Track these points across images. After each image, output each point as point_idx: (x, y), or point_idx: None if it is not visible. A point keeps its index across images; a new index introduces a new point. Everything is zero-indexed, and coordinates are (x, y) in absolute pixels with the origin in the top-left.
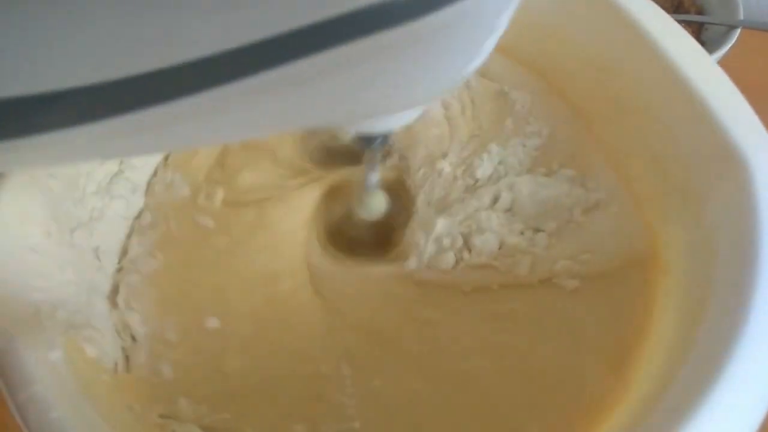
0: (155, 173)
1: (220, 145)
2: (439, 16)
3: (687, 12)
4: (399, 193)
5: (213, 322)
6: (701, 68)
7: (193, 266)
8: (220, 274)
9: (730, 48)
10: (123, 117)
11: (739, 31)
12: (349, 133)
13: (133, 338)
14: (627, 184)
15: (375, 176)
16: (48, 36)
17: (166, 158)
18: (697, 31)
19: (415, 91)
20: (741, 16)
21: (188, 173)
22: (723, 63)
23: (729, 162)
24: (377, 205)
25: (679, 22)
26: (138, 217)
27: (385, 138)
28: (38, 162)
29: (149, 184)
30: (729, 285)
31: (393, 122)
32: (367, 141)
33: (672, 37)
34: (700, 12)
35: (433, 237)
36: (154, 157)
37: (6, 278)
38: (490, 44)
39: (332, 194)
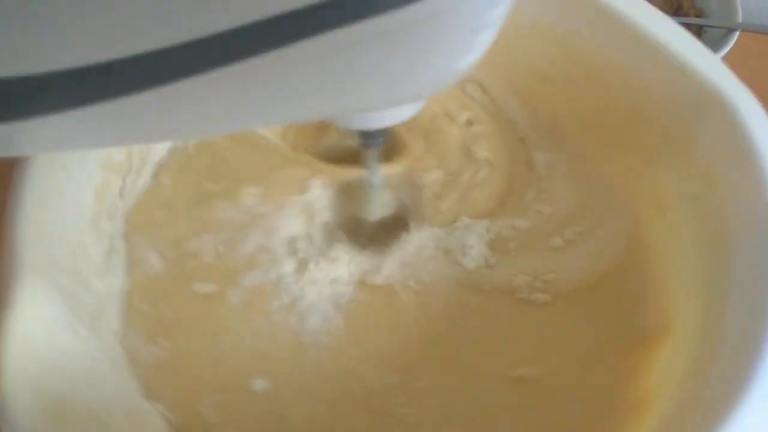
0: (131, 247)
1: (191, 195)
2: (427, 4)
3: (686, 15)
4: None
5: (260, 384)
6: (668, 28)
7: (209, 341)
8: (243, 333)
9: (729, 51)
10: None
11: (738, 33)
12: (346, 129)
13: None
14: (607, 138)
15: (377, 176)
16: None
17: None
18: (696, 33)
19: (405, 85)
20: (740, 19)
21: (156, 241)
22: None
23: (711, 102)
24: (381, 205)
25: (679, 24)
26: (126, 297)
27: (383, 137)
28: (41, 145)
29: (129, 261)
30: (743, 209)
31: (387, 119)
32: (366, 139)
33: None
34: (699, 15)
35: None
36: None
37: (54, 394)
38: (484, 40)
39: (342, 193)
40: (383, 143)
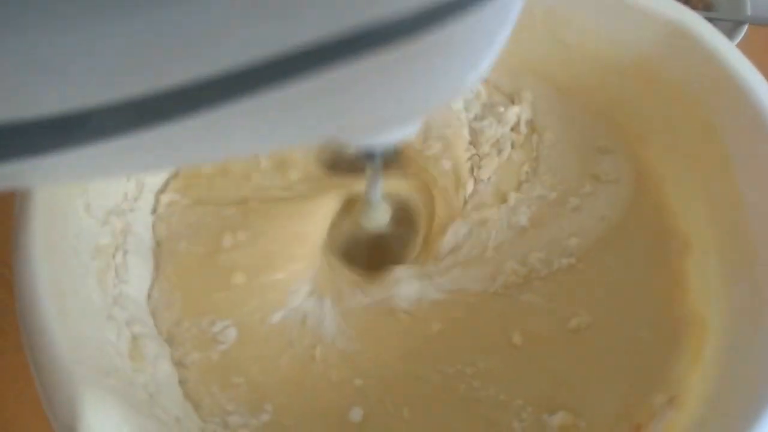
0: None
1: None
2: (438, 34)
3: (695, 8)
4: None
5: (356, 414)
6: None
7: (303, 391)
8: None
9: (737, 44)
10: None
11: (746, 27)
12: (350, 148)
13: None
14: (589, 93)
15: (377, 188)
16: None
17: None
18: None
19: (413, 105)
20: (748, 12)
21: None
22: None
23: (674, 34)
24: (380, 216)
25: None
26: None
27: (386, 151)
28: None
29: (176, 357)
30: (732, 118)
31: (393, 135)
32: (369, 154)
33: None
34: (707, 8)
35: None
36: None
37: None
38: (492, 54)
39: (348, 208)
40: (385, 158)
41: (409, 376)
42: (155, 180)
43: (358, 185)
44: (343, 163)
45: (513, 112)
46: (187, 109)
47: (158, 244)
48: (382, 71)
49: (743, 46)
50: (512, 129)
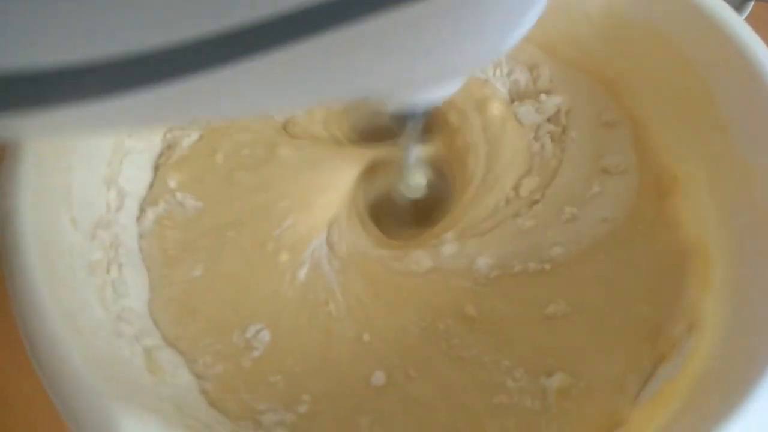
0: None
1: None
2: None
3: None
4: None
5: (379, 378)
6: None
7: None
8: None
9: (744, 20)
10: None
11: (752, 4)
12: (386, 109)
13: None
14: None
15: (414, 153)
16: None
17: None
18: None
19: (452, 61)
20: None
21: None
22: None
23: None
24: (417, 182)
25: None
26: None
27: (422, 114)
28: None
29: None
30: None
31: (430, 96)
32: (405, 117)
33: None
34: None
35: None
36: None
37: None
38: (534, 12)
39: (372, 171)
40: (423, 120)
41: (393, 328)
42: (137, 188)
43: (380, 151)
44: (369, 131)
45: (553, 102)
46: (208, 63)
47: (149, 269)
48: (410, 27)
49: (750, 22)
50: (549, 120)
